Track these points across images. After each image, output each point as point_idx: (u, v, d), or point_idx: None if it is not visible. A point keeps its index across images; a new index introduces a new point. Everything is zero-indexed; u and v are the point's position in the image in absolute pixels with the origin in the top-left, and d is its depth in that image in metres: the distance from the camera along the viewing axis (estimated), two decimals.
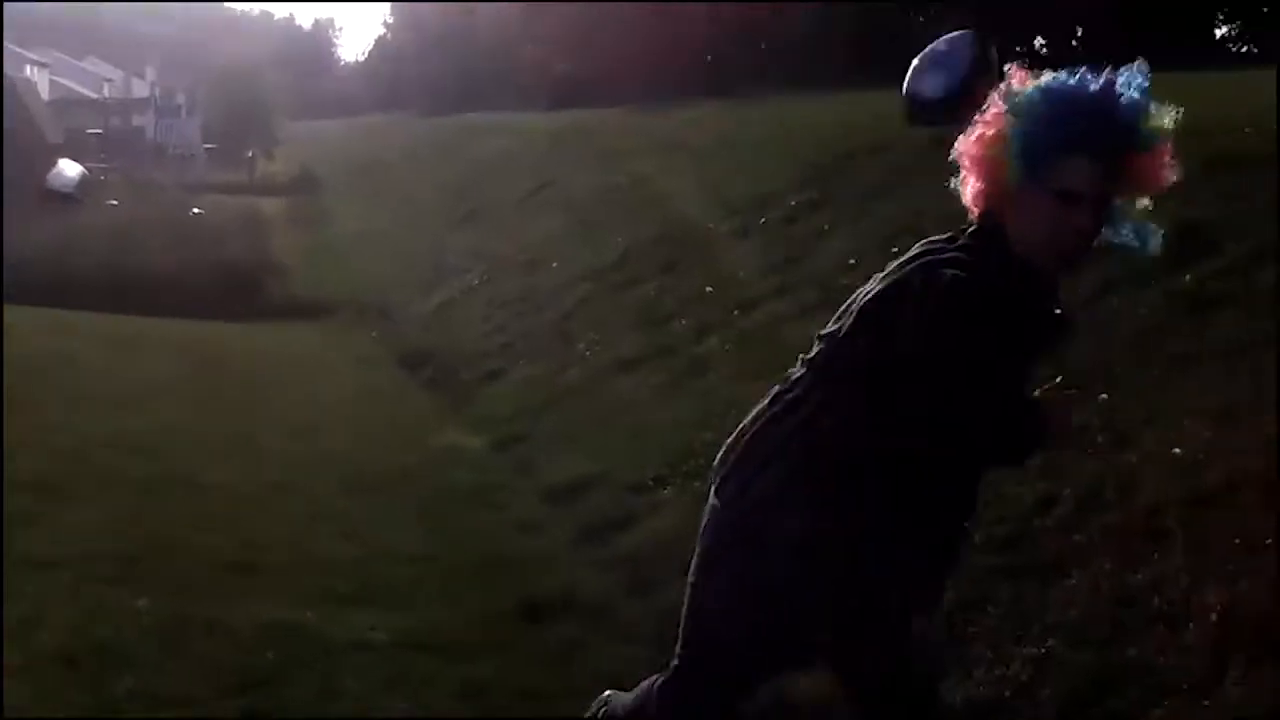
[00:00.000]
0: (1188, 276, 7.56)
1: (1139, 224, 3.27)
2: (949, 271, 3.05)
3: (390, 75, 67.88)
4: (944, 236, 3.28)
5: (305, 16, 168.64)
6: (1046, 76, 3.17)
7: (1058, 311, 3.36)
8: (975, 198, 3.27)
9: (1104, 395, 6.64)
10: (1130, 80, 3.14)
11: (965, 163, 3.27)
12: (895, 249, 10.79)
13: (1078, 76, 3.15)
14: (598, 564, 7.63)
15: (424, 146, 38.44)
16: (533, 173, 25.15)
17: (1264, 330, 6.49)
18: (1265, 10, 30.78)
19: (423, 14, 58.83)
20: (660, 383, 10.78)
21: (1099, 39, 30.72)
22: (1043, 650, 4.97)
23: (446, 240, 22.99)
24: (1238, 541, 4.97)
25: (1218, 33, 32.15)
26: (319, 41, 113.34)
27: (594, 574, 7.44)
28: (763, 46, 33.26)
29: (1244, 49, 31.19)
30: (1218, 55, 28.85)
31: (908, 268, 3.20)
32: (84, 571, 6.67)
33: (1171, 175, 3.18)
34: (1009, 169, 3.15)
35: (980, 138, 3.21)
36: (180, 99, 55.98)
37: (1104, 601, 5.08)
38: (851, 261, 11.23)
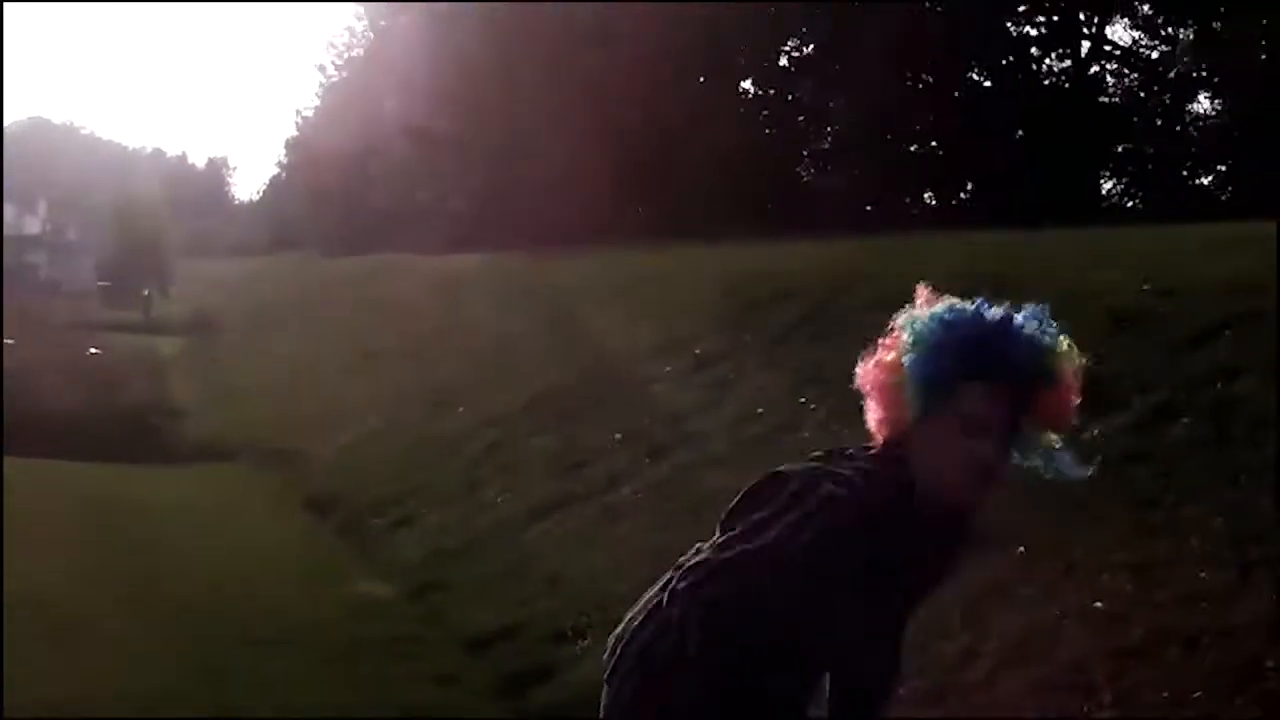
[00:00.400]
0: (1095, 432, 7.74)
1: (1050, 451, 3.16)
2: (830, 486, 3.00)
3: (285, 215, 67.55)
4: (845, 452, 3.18)
5: (199, 155, 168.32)
6: (945, 303, 3.11)
7: (958, 537, 3.24)
8: (878, 425, 3.16)
9: (1021, 549, 6.79)
10: (1032, 313, 3.07)
11: (866, 389, 3.18)
12: (803, 399, 10.95)
13: (976, 304, 3.08)
14: (518, 717, 7.62)
15: (321, 287, 38.33)
16: (435, 315, 25.16)
17: (1176, 485, 6.67)
18: (1150, 167, 31.73)
19: (318, 154, 58.68)
20: (573, 531, 10.80)
21: (988, 195, 31.57)
22: None
23: (349, 382, 22.88)
24: (1165, 695, 5.08)
25: (1104, 187, 32.99)
26: (213, 180, 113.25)
27: None
28: (665, 194, 33.67)
29: (1130, 204, 32.03)
30: (1105, 210, 29.62)
31: (796, 466, 3.14)
32: None
33: (1076, 410, 3.11)
34: (909, 397, 3.07)
35: (880, 364, 3.13)
36: (73, 236, 55.62)
37: None
38: (759, 410, 11.38)
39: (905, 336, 3.08)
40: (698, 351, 14.04)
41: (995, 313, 3.06)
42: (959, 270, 12.49)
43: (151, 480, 17.86)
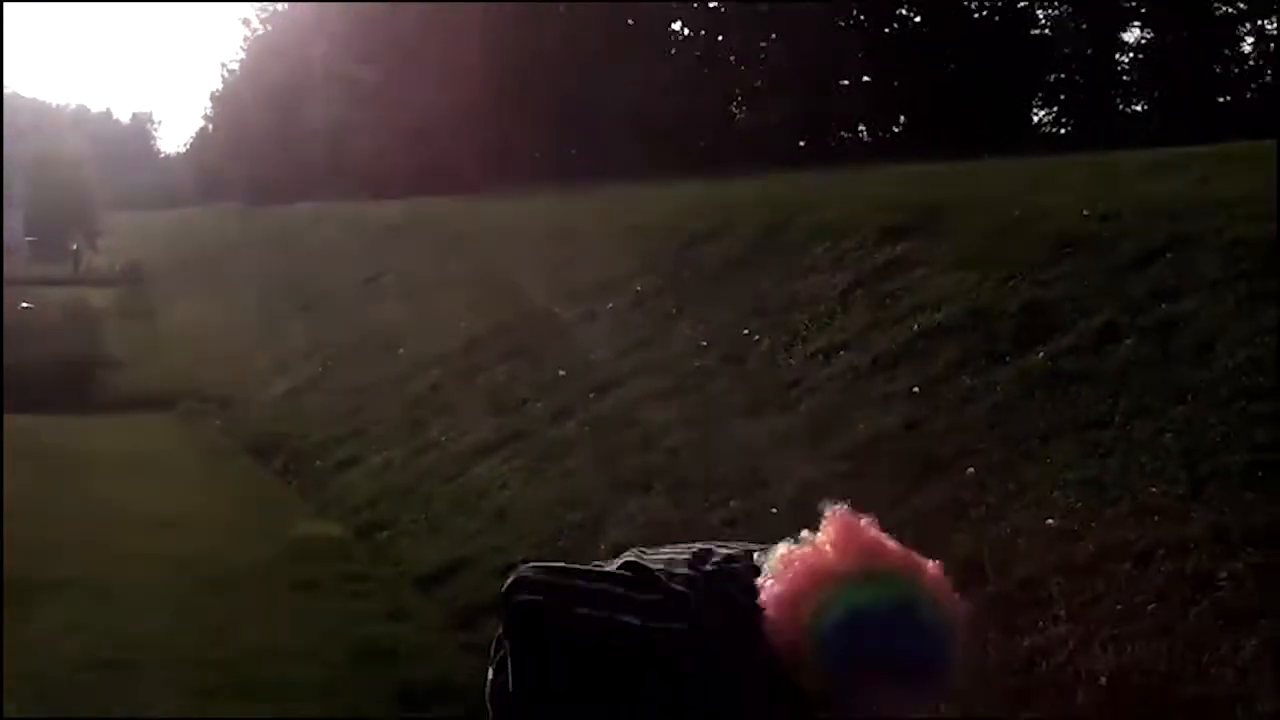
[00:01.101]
0: (1040, 354, 7.82)
1: None
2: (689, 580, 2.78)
3: (213, 167, 67.16)
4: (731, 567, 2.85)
5: (123, 111, 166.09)
6: (861, 599, 2.55)
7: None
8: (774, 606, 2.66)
9: (970, 469, 6.84)
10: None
11: (769, 607, 2.65)
12: (746, 330, 10.94)
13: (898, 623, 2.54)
14: (472, 648, 7.62)
15: (252, 237, 38.05)
16: (368, 262, 25.01)
17: (1124, 404, 6.73)
18: (1080, 96, 31.92)
19: (244, 107, 58.33)
20: (520, 466, 10.78)
21: (920, 128, 31.67)
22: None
23: (285, 329, 22.74)
24: (1120, 608, 5.14)
25: (1035, 117, 33.20)
26: (138, 135, 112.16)
27: (470, 659, 7.42)
28: (597, 136, 33.61)
29: (1061, 132, 32.21)
30: (1036, 139, 29.78)
31: (713, 569, 2.85)
32: None
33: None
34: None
35: (791, 614, 2.61)
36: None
37: (993, 670, 5.16)
38: (703, 344, 11.39)
39: (812, 632, 2.58)
40: (638, 288, 14.01)
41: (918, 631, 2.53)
42: (897, 200, 12.55)
43: (92, 431, 17.69)
